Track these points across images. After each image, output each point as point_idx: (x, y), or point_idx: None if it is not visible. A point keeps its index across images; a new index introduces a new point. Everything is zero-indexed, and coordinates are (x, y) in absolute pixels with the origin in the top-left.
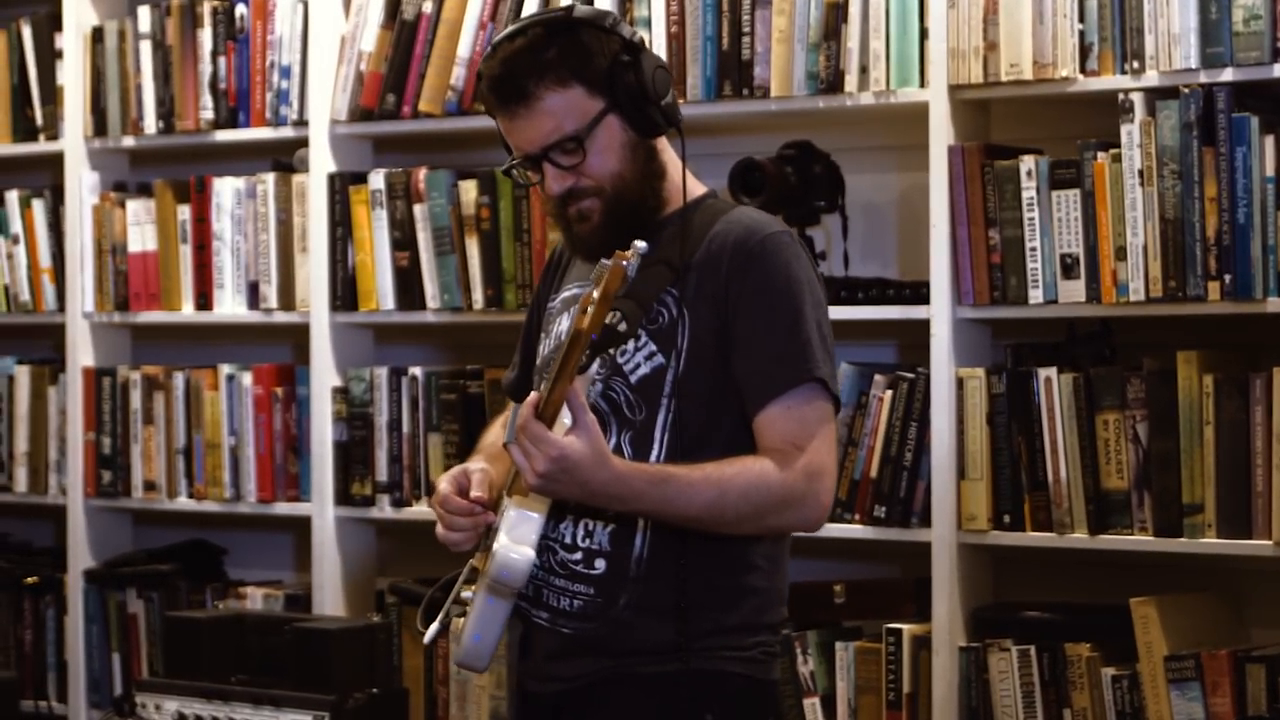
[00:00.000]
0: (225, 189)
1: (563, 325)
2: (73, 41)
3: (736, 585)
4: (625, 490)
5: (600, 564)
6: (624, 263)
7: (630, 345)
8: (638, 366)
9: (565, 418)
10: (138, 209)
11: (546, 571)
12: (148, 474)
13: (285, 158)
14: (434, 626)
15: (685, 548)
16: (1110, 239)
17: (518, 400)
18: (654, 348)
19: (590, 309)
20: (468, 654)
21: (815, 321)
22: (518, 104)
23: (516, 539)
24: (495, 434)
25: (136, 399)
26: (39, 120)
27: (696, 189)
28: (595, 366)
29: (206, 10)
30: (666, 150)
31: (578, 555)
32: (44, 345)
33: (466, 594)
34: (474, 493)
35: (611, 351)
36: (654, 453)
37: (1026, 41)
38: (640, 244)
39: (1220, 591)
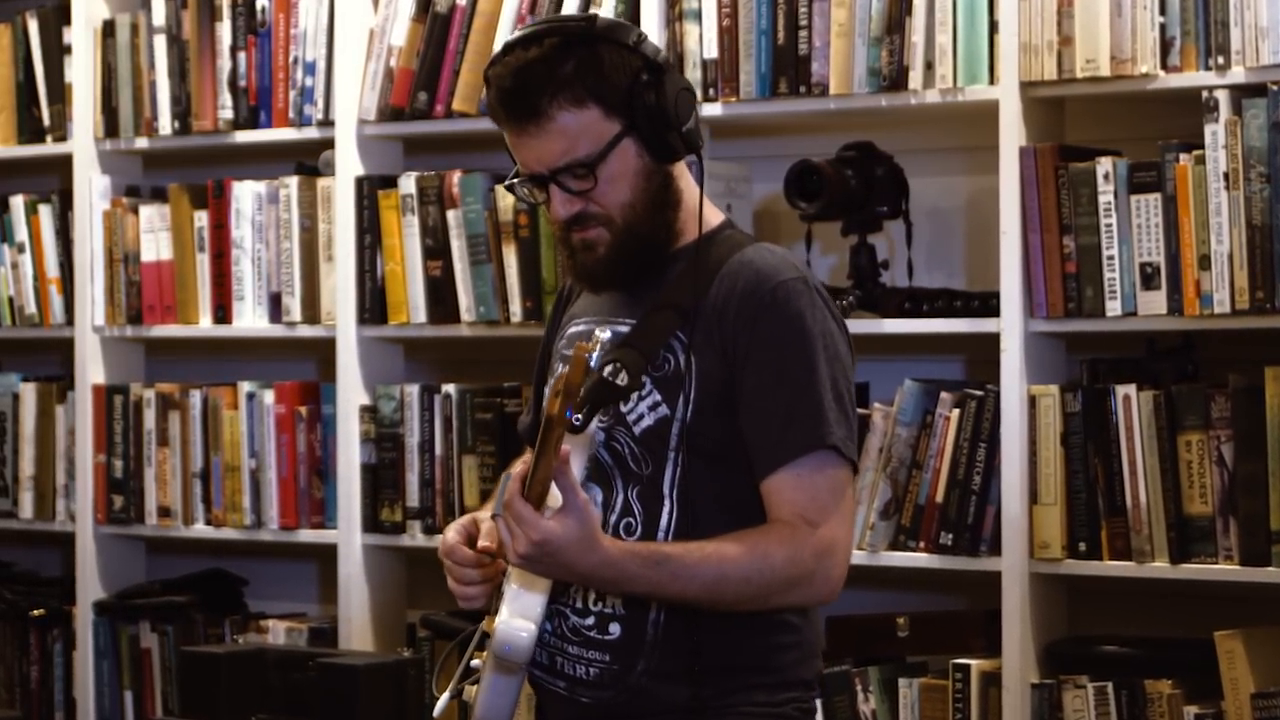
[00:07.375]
0: (245, 194)
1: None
2: (82, 36)
3: (765, 643)
4: (616, 574)
5: (615, 629)
6: (585, 354)
7: (634, 394)
8: (641, 417)
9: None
10: (151, 215)
11: (559, 638)
12: (162, 499)
13: (310, 160)
14: (443, 699)
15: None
16: (1193, 247)
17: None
18: (658, 397)
19: (559, 394)
20: None
21: (830, 379)
22: (528, 120)
23: (518, 612)
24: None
25: (150, 419)
26: (46, 120)
27: (712, 218)
28: (596, 420)
29: (225, 2)
30: (684, 177)
31: (590, 620)
32: (51, 361)
33: (476, 662)
34: (481, 542)
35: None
36: (665, 510)
37: (1104, 35)
38: (604, 334)
39: None
